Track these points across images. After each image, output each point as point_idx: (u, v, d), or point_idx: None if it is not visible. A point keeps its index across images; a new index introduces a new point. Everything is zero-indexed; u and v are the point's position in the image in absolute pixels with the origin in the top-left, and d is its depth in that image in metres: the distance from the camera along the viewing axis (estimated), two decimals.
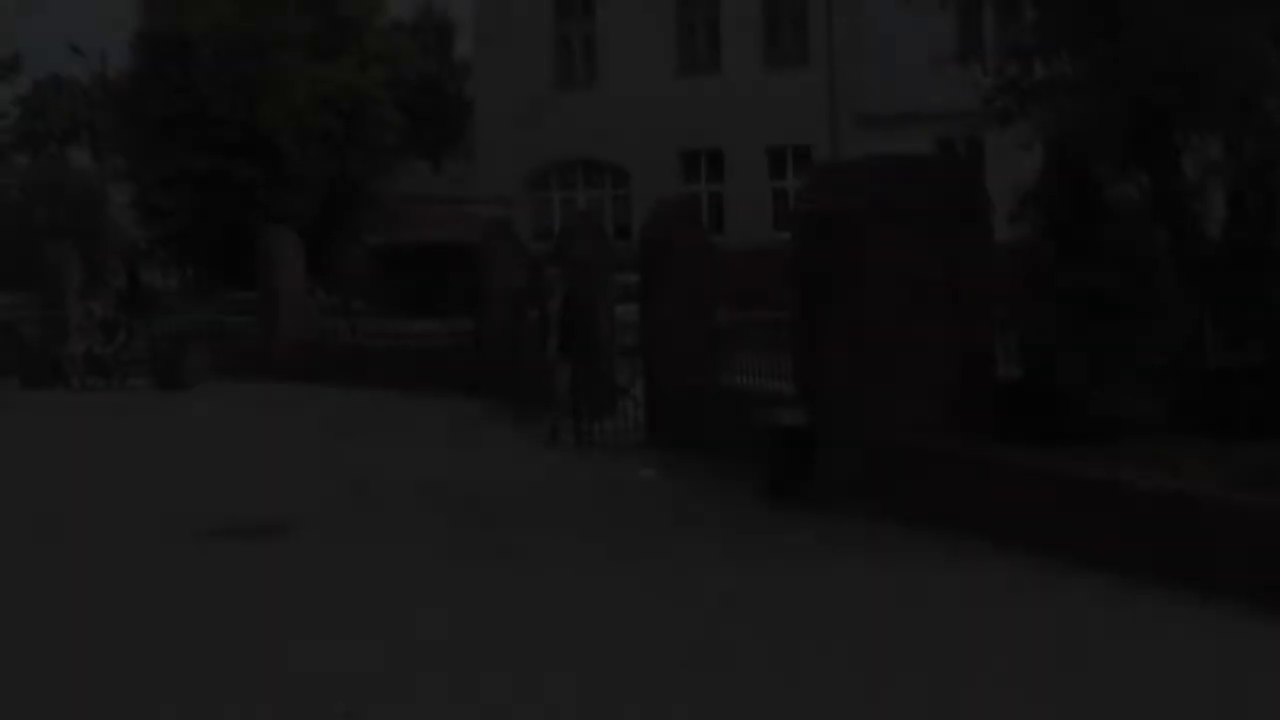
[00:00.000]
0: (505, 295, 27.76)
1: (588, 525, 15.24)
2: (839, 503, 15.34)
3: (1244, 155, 17.41)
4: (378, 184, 63.77)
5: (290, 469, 19.92)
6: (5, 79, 56.89)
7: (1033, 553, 12.61)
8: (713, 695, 9.16)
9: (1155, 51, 16.59)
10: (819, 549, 13.52)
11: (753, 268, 34.51)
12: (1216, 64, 16.54)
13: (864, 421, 15.24)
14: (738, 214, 46.00)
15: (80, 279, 40.01)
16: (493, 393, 27.58)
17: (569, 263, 24.71)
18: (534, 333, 24.60)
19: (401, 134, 64.32)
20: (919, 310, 15.31)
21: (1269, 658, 9.71)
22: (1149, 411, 15.53)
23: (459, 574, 12.97)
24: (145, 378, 34.94)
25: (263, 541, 14.77)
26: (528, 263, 29.78)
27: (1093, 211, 16.91)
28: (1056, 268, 16.59)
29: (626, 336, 25.24)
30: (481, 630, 10.94)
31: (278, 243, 36.79)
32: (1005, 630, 10.45)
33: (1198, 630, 10.32)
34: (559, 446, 21.29)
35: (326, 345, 35.97)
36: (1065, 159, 17.58)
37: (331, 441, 22.72)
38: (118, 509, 17.03)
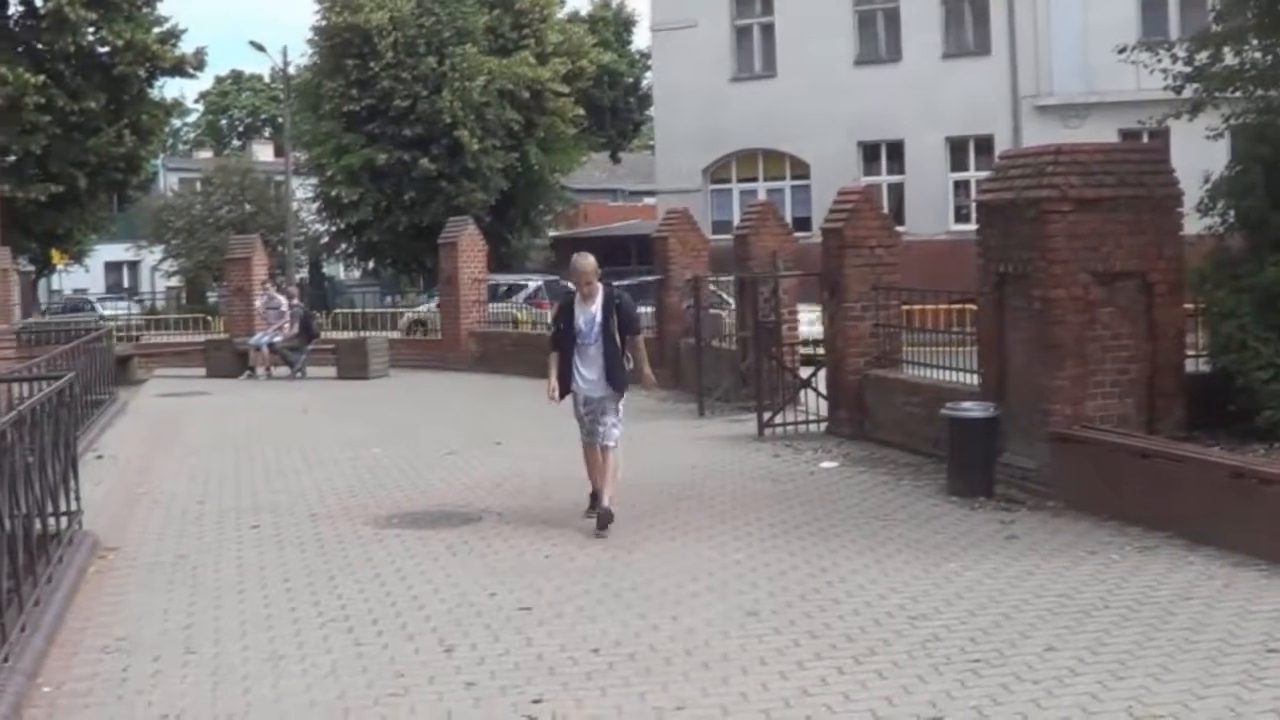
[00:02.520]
0: (684, 286, 27.81)
1: (772, 514, 15.17)
2: (1024, 497, 15.22)
3: None
4: (557, 176, 64.26)
5: (473, 460, 20.06)
6: (189, 75, 57.60)
7: (1225, 552, 12.37)
8: (903, 691, 9.13)
9: None
10: (1006, 544, 13.37)
11: (935, 259, 34.35)
12: None
13: (1051, 415, 15.07)
14: (918, 205, 45.80)
15: (265, 271, 40.61)
16: (675, 382, 27.66)
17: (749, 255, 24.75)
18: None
19: (580, 126, 64.69)
20: (1108, 302, 15.13)
21: None
22: None
23: (647, 560, 13.03)
24: (328, 368, 35.43)
25: (457, 529, 14.92)
26: (708, 254, 29.86)
27: None
28: (1249, 260, 16.33)
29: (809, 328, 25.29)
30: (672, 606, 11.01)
31: (459, 234, 37.09)
32: (1220, 628, 10.26)
33: None
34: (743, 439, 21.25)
35: (507, 335, 36.24)
36: (1257, 149, 17.28)
37: (511, 433, 22.86)
38: (313, 501, 17.28)
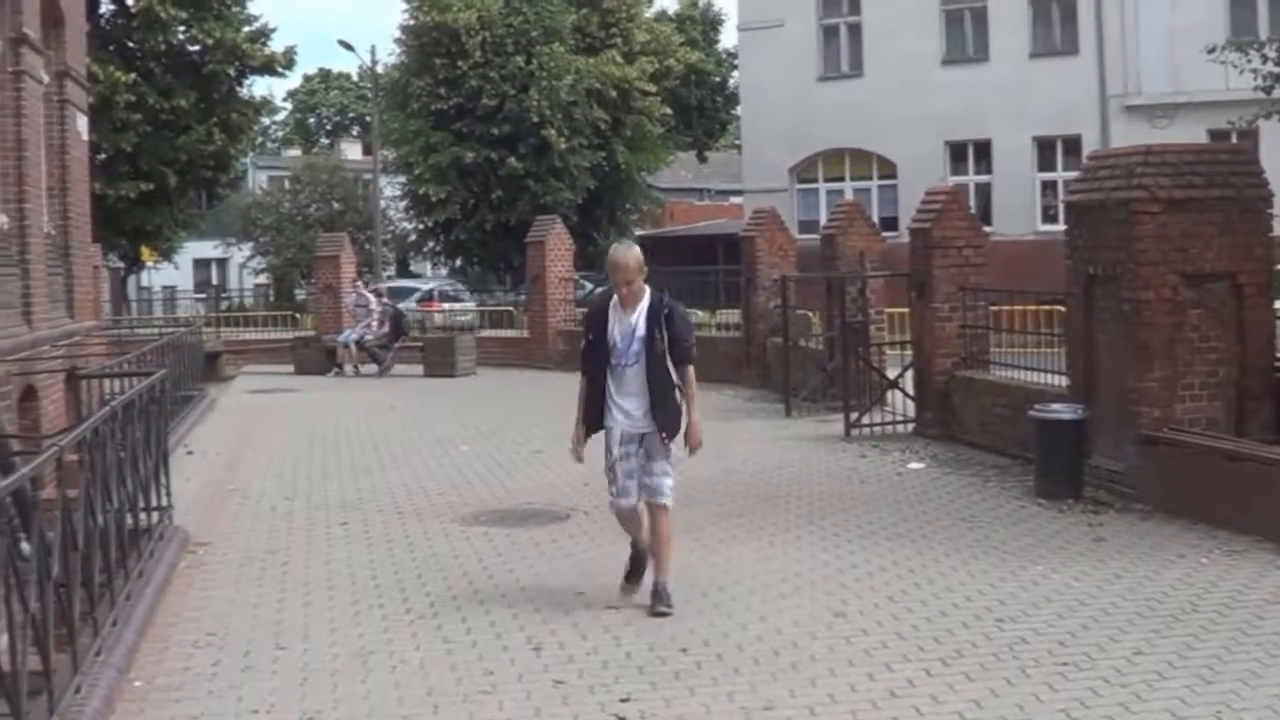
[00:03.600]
0: (771, 286, 27.80)
1: (860, 515, 15.14)
2: (1112, 499, 15.13)
3: None
4: (643, 174, 64.37)
5: (562, 459, 20.09)
6: (279, 74, 58.10)
7: None
8: (993, 695, 9.11)
9: None
10: (1095, 547, 13.29)
11: (1022, 260, 34.20)
12: None
13: (1139, 417, 14.98)
14: (1005, 205, 45.67)
15: (353, 269, 40.86)
16: (761, 382, 27.64)
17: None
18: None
19: (667, 125, 64.75)
20: (1197, 304, 15.02)
21: None
22: None
23: (734, 560, 13.04)
24: (415, 366, 35.61)
25: (545, 527, 14.98)
26: (795, 254, 29.84)
27: None
28: None
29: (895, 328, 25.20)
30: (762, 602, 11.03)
31: (546, 233, 37.23)
32: None
33: None
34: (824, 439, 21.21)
35: None
36: None
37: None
38: (401, 498, 17.37)
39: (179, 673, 10.02)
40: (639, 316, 11.41)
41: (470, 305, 45.39)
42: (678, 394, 11.49)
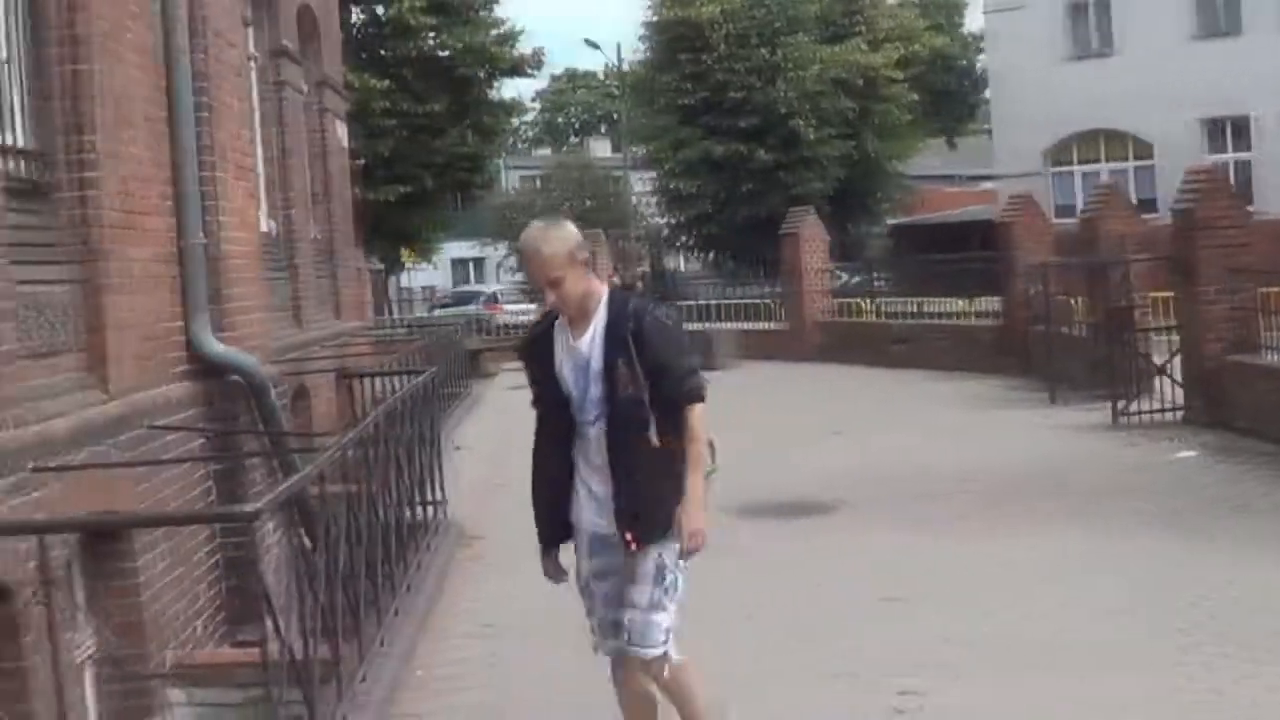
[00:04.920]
0: (1030, 272, 27.46)
1: (1131, 504, 14.90)
2: None
3: None
4: (894, 163, 64.00)
5: (824, 450, 20.09)
6: (528, 75, 58.77)
7: None
8: None
9: None
10: None
11: None
12: None
13: None
14: (1267, 182, 44.57)
15: (608, 265, 41.13)
16: (1023, 371, 27.33)
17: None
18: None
19: (916, 112, 64.31)
20: None
21: None
22: None
23: (1004, 551, 12.95)
24: None
25: (811, 518, 15.01)
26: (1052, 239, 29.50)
27: None
28: None
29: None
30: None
31: (800, 224, 37.16)
32: None
33: None
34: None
35: (850, 325, 36.14)
36: None
37: (859, 422, 22.81)
38: None
39: (458, 662, 10.24)
40: (593, 341, 7.04)
41: (530, 307, 47.57)
42: (675, 462, 7.01)
